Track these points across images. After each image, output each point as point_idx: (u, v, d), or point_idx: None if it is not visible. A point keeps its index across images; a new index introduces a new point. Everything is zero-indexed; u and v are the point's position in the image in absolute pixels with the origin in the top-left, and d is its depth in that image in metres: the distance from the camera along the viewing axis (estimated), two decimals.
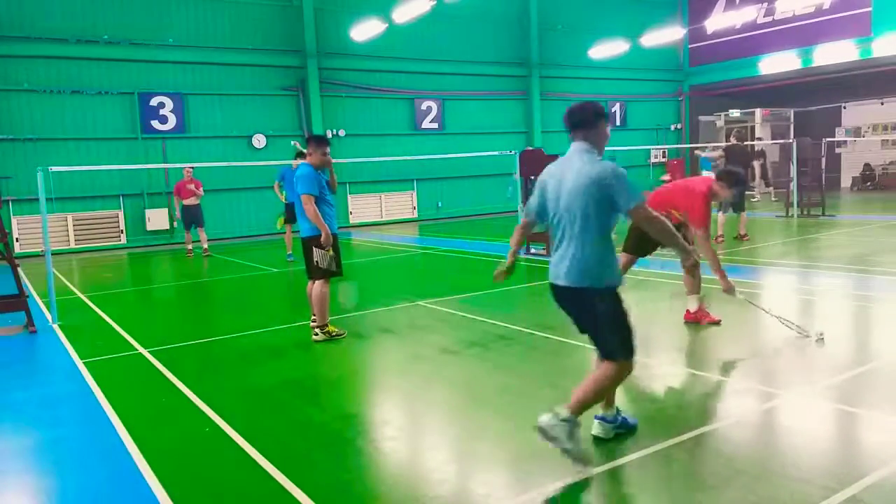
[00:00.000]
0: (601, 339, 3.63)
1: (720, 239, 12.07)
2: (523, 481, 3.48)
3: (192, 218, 14.33)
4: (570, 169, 3.58)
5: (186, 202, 14.17)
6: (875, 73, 22.27)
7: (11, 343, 7.23)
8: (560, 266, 3.61)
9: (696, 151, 16.01)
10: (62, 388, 5.58)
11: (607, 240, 3.56)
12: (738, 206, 12.20)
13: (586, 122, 3.65)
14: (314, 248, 6.38)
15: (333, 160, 6.91)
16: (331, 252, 6.38)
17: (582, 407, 3.57)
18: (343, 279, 6.73)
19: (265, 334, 7.04)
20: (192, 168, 14.31)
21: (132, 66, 17.11)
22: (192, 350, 6.66)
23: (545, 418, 3.49)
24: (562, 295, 3.69)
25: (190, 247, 14.68)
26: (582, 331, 3.77)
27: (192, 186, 14.11)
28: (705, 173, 14.80)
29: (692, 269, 6.30)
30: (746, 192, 12.73)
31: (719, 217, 12.33)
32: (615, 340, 3.57)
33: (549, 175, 3.72)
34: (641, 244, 6.17)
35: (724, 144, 17.27)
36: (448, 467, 3.76)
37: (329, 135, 19.40)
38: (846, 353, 5.55)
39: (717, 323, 6.38)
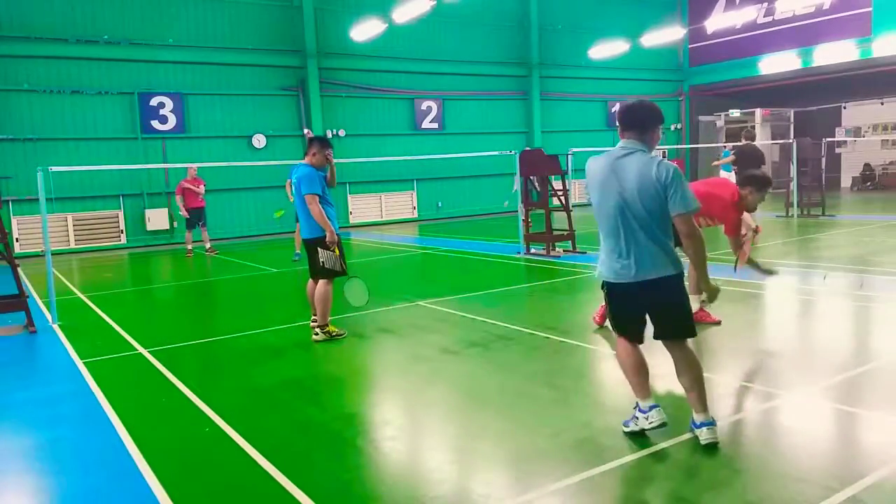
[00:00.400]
0: (684, 319, 3.78)
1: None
2: (523, 481, 3.48)
3: (197, 217, 14.35)
4: (630, 168, 3.60)
5: (193, 203, 14.19)
6: (875, 73, 22.27)
7: (11, 343, 7.24)
8: (643, 262, 3.64)
9: (714, 162, 15.78)
10: (62, 388, 5.57)
11: (669, 230, 3.71)
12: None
13: (646, 124, 3.69)
14: (319, 249, 6.39)
15: (334, 160, 6.94)
16: (336, 252, 6.39)
17: (706, 402, 3.77)
18: (347, 278, 6.72)
19: (265, 334, 7.04)
20: (197, 168, 14.32)
21: (132, 66, 17.11)
22: (192, 350, 6.66)
23: (706, 437, 3.69)
24: (646, 289, 3.69)
25: (190, 247, 14.69)
26: (656, 322, 3.82)
27: (191, 186, 14.12)
28: (724, 174, 14.50)
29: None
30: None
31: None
32: (691, 316, 3.82)
33: (599, 174, 3.72)
34: None
35: (730, 145, 17.17)
36: (448, 467, 3.76)
37: (329, 135, 19.41)
38: (846, 353, 5.55)
39: (718, 323, 6.37)
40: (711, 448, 3.67)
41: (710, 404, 3.82)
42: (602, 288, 3.94)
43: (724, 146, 19.19)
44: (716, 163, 15.29)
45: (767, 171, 22.93)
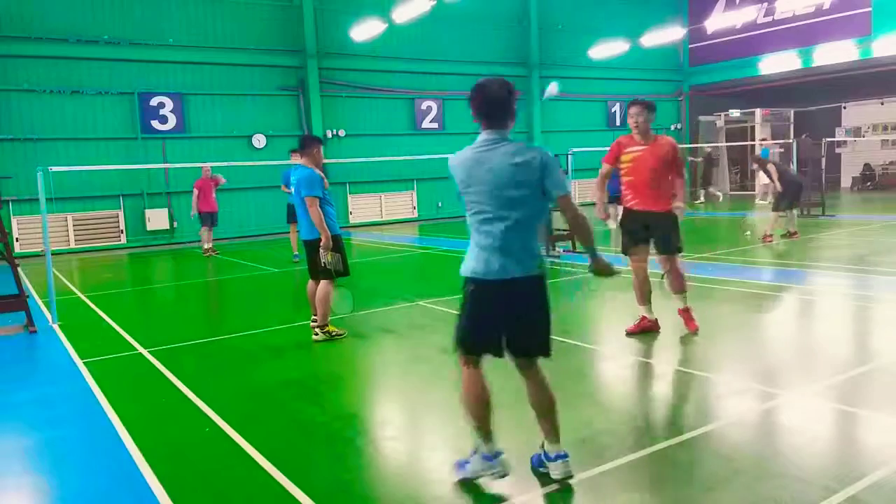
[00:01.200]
0: (544, 330, 3.42)
1: (796, 235, 11.94)
2: (523, 481, 3.48)
3: (215, 217, 14.35)
4: (502, 157, 3.27)
5: (207, 207, 14.18)
6: (875, 73, 22.28)
7: (11, 343, 7.23)
8: (504, 258, 3.28)
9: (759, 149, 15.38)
10: (62, 388, 5.58)
11: (540, 227, 3.51)
12: (782, 204, 12.02)
13: (505, 110, 3.34)
14: (321, 250, 6.39)
15: (334, 160, 6.93)
16: (330, 256, 6.37)
17: (559, 431, 3.50)
18: (348, 280, 6.73)
19: (265, 334, 7.04)
20: (211, 167, 14.32)
21: (132, 66, 17.11)
22: (192, 350, 6.66)
23: (560, 472, 3.41)
24: (506, 290, 3.31)
25: (206, 245, 14.54)
26: (514, 332, 3.40)
27: (216, 177, 14.27)
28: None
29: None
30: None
31: (771, 216, 12.06)
32: (549, 332, 3.44)
33: (469, 166, 3.36)
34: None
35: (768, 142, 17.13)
36: (448, 467, 3.76)
37: (329, 135, 19.42)
38: (846, 353, 5.55)
39: (695, 332, 6.08)
40: (567, 481, 3.42)
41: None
42: (463, 288, 3.46)
43: (762, 144, 19.98)
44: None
45: (709, 172, 23.51)
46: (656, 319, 6.21)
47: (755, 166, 13.09)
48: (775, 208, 12.02)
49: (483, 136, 3.38)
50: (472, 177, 3.34)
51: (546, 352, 3.46)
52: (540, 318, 3.42)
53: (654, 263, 6.21)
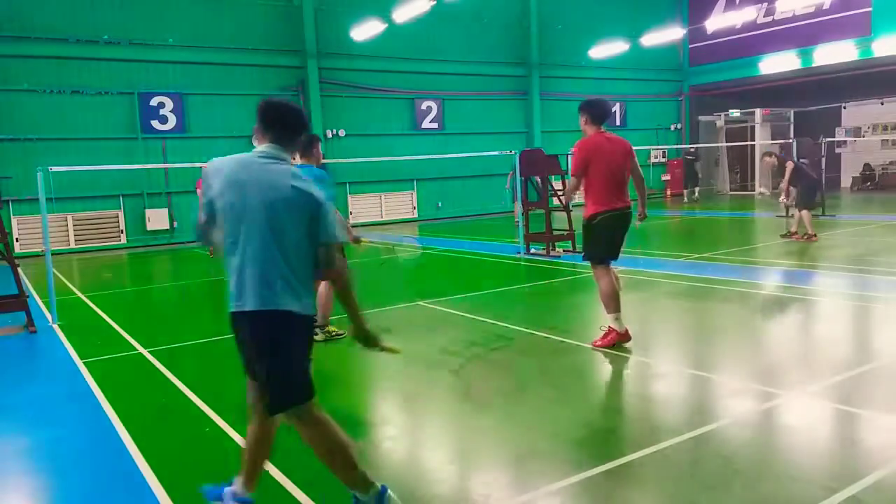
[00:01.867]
0: (294, 376, 2.96)
1: (796, 236, 11.89)
2: (523, 481, 3.48)
3: None
4: (275, 178, 2.86)
5: None
6: (875, 73, 22.27)
7: (11, 343, 7.24)
8: (250, 288, 2.83)
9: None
10: (62, 388, 5.58)
11: (310, 265, 2.95)
12: (809, 202, 11.98)
13: (296, 130, 3.02)
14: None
15: (334, 160, 6.92)
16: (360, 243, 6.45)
17: (353, 478, 3.17)
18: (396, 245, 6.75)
19: None
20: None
21: (132, 66, 17.12)
22: (192, 350, 6.66)
23: None
24: (248, 324, 2.89)
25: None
26: (260, 373, 3.02)
27: None
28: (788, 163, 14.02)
29: None
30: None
31: (803, 214, 11.95)
32: (303, 377, 2.99)
33: (230, 168, 2.93)
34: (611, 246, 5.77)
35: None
36: (448, 467, 3.76)
37: (329, 135, 19.43)
38: (846, 353, 5.55)
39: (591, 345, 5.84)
40: None
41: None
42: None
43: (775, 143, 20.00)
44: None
45: (694, 171, 23.58)
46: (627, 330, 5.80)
47: (774, 161, 12.75)
48: (804, 207, 11.95)
49: (265, 147, 2.97)
50: (236, 183, 2.87)
51: (301, 399, 2.97)
52: (288, 362, 2.93)
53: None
